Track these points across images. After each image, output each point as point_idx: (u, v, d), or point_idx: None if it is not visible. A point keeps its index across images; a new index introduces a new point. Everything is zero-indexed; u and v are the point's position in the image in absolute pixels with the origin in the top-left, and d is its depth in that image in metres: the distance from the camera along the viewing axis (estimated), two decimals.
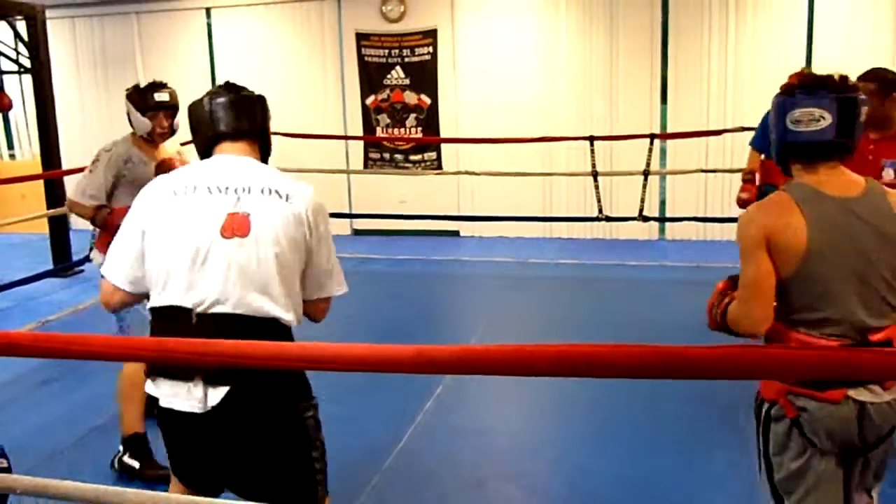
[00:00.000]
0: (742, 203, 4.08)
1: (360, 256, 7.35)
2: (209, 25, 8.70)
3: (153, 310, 1.96)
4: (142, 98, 3.42)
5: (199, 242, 1.88)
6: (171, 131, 3.52)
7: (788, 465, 1.95)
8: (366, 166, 8.37)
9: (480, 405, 3.95)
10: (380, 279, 6.64)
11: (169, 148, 3.59)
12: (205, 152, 2.09)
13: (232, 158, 2.03)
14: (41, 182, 6.92)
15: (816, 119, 1.84)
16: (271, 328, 1.90)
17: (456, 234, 8.28)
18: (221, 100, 2.05)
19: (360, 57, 8.20)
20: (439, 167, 8.16)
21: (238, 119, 2.05)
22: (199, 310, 1.87)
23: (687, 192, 7.52)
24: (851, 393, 1.84)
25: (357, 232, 8.63)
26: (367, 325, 5.43)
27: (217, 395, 1.86)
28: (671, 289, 5.76)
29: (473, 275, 6.70)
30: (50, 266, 6.66)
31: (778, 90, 1.95)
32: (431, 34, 7.98)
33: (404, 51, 8.09)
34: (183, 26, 8.78)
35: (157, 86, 3.48)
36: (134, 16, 8.87)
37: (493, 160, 7.47)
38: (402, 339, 4.97)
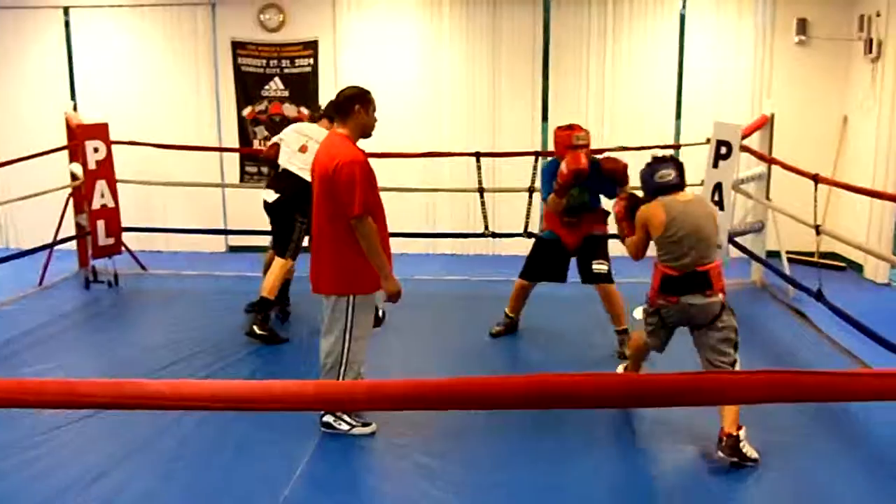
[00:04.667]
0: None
1: (236, 274, 6.99)
2: (67, 25, 8.05)
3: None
4: None
5: None
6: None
7: (648, 327, 3.81)
8: (242, 180, 8.03)
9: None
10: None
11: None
12: None
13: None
14: None
15: (669, 174, 3.69)
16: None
17: None
18: None
19: (237, 66, 7.87)
20: None
21: None
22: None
23: None
24: (682, 298, 3.56)
25: (232, 248, 8.23)
26: (241, 349, 5.16)
27: (273, 196, 5.35)
28: (557, 304, 5.83)
29: None
30: None
31: (647, 162, 3.81)
32: (312, 45, 7.78)
33: (283, 61, 7.83)
34: (34, 26, 8.06)
35: None
36: None
37: (375, 175, 7.33)
38: (289, 366, 4.71)
